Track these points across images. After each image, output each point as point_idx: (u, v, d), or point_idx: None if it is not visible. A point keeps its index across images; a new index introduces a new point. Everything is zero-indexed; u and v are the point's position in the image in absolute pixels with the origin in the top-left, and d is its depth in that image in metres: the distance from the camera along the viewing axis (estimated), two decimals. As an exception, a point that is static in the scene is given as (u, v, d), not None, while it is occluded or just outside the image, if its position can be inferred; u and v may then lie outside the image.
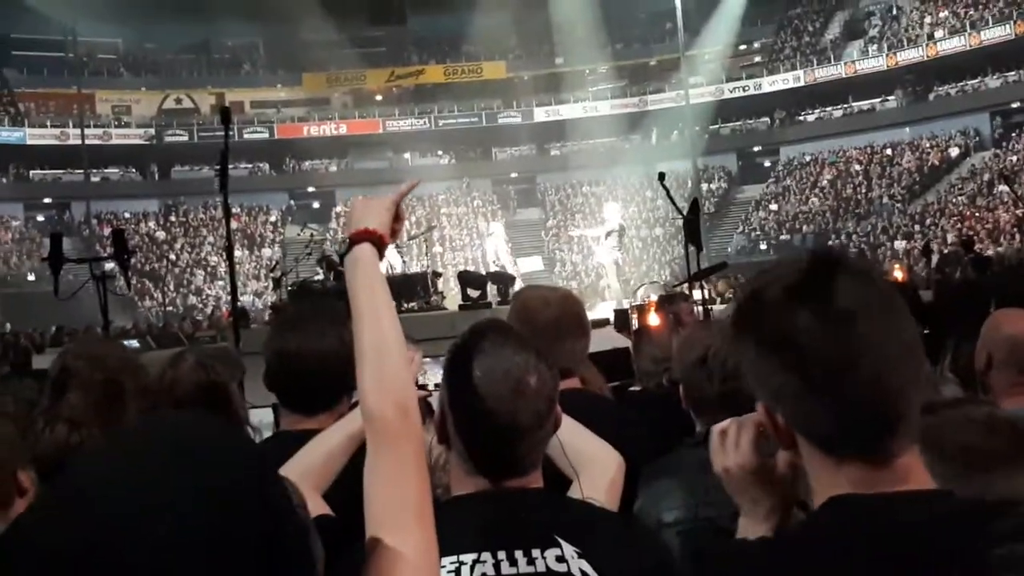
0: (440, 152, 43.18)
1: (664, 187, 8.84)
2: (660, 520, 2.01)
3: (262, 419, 3.07)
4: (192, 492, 0.72)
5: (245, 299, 30.03)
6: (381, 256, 1.50)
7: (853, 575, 1.03)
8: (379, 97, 44.89)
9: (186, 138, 40.78)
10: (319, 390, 2.26)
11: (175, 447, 0.78)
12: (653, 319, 5.09)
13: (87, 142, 37.77)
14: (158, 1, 35.74)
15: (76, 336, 20.46)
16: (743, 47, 43.06)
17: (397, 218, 1.59)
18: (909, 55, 36.94)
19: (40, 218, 39.18)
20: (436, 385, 2.17)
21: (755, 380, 1.13)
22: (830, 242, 33.11)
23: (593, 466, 1.96)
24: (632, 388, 4.04)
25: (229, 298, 35.94)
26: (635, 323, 8.04)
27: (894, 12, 39.73)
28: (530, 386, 1.53)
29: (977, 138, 35.25)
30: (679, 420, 2.48)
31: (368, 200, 1.62)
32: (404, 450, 1.30)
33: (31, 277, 34.00)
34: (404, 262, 17.09)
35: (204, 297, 35.63)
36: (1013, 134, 34.12)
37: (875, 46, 38.69)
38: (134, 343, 20.06)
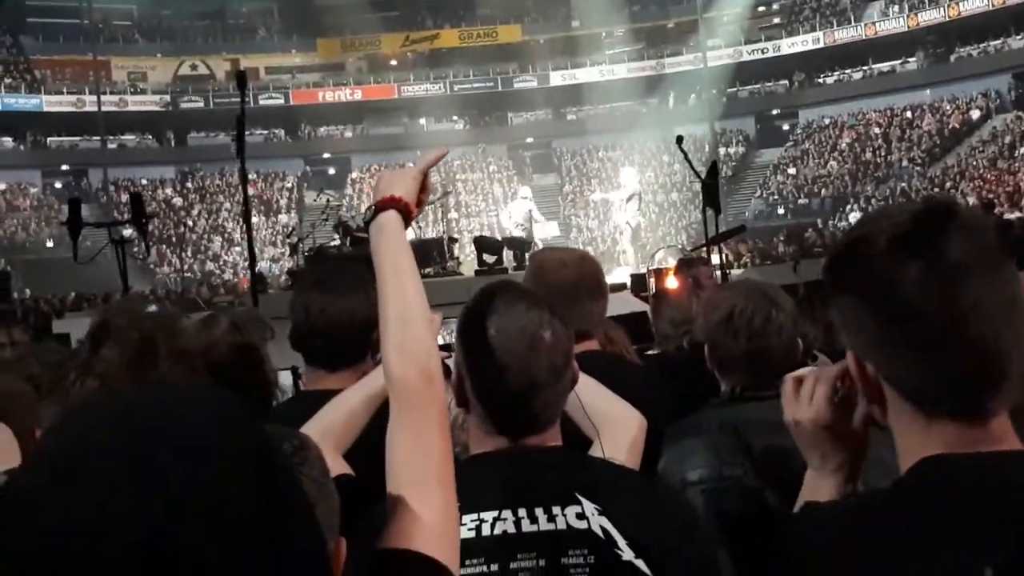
0: (455, 117, 43.01)
1: (682, 151, 8.76)
2: (684, 479, 2.00)
3: (282, 382, 3.10)
4: (176, 448, 0.71)
5: (262, 265, 30.15)
6: (407, 224, 1.51)
7: (963, 538, 0.99)
8: (394, 62, 44.65)
9: (201, 104, 40.78)
10: (344, 346, 2.30)
11: (165, 409, 0.77)
12: (672, 282, 5.07)
13: (103, 109, 37.85)
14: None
15: (95, 301, 20.62)
16: (762, 8, 42.50)
17: (423, 188, 1.59)
18: (930, 15, 36.39)
19: (58, 185, 39.35)
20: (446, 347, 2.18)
21: (849, 329, 1.10)
22: (848, 207, 32.89)
23: (614, 426, 1.96)
24: (650, 352, 4.02)
25: (246, 264, 36.08)
26: (653, 287, 8.02)
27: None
28: (544, 340, 1.53)
29: (999, 100, 34.77)
30: (700, 383, 2.47)
31: (394, 171, 1.65)
32: (427, 414, 1.31)
33: (49, 244, 34.22)
34: (420, 227, 17.08)
35: (221, 263, 35.79)
36: (1036, 96, 33.65)
37: (896, 6, 38.12)
38: (153, 308, 20.22)
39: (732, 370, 2.19)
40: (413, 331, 1.38)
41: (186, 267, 34.79)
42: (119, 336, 1.68)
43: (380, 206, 1.51)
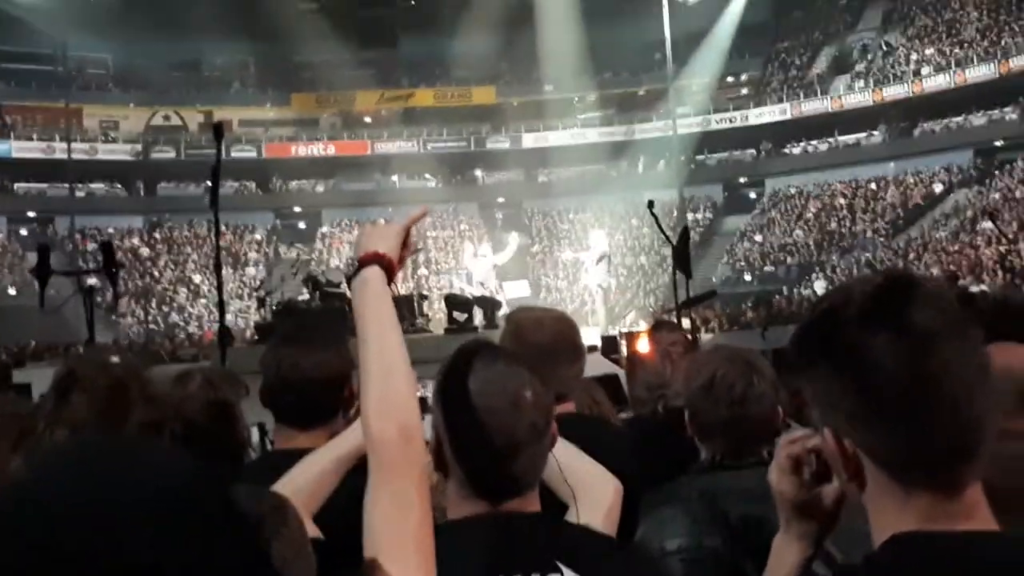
0: (428, 175, 43.26)
1: (653, 215, 8.84)
2: (663, 548, 1.97)
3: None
4: (139, 502, 0.70)
5: (228, 318, 29.87)
6: (390, 280, 1.50)
7: None
8: (368, 119, 44.98)
9: (173, 155, 40.72)
10: (316, 402, 2.26)
11: (122, 458, 0.75)
12: (644, 346, 5.06)
13: (73, 156, 37.62)
14: (150, 18, 35.73)
15: (57, 351, 20.29)
16: (730, 79, 43.48)
17: (405, 245, 1.58)
18: (895, 91, 37.38)
19: (23, 232, 38.93)
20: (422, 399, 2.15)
21: (823, 402, 1.09)
22: (814, 275, 33.34)
23: (591, 491, 1.93)
24: (624, 415, 3.99)
25: (211, 317, 35.71)
26: (625, 349, 8.02)
27: (881, 48, 40.22)
28: (526, 399, 1.50)
29: (960, 175, 35.59)
30: (676, 448, 2.45)
31: (377, 226, 1.64)
32: (406, 478, 1.29)
33: (12, 291, 33.73)
34: (404, 284, 17.06)
35: (186, 315, 35.41)
36: (996, 171, 34.48)
37: (861, 81, 39.13)
38: (115, 359, 19.90)
39: (712, 437, 2.17)
40: (394, 385, 1.36)
41: (150, 318, 34.36)
42: (87, 384, 1.64)
43: (363, 261, 1.50)
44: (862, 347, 1.02)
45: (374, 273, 1.48)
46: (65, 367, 1.72)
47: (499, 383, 1.50)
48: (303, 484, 1.90)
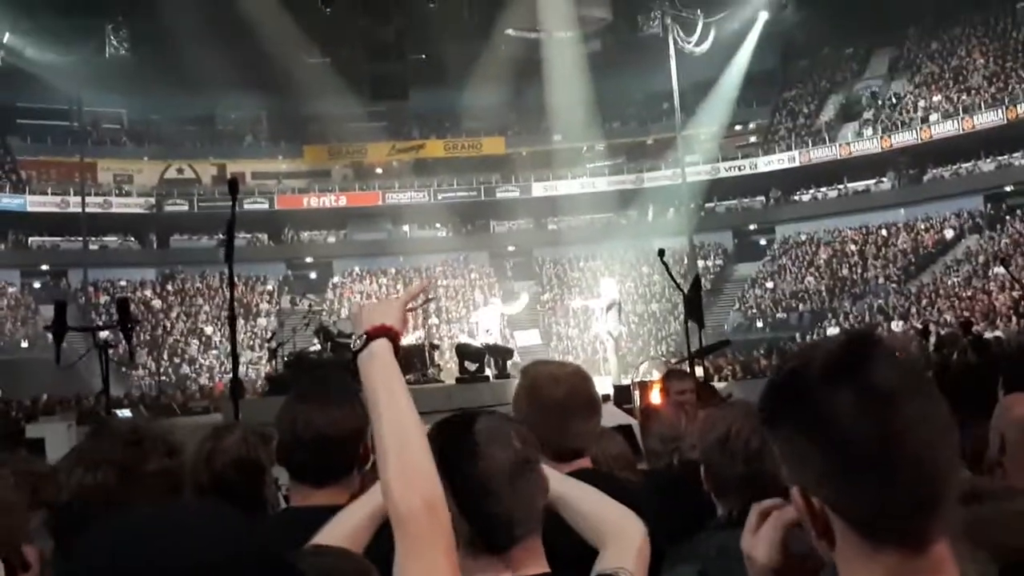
0: (438, 224, 43.48)
1: (664, 263, 8.85)
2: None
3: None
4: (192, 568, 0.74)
5: (239, 369, 29.90)
6: (396, 352, 1.53)
7: None
8: (379, 170, 45.36)
9: (186, 208, 41.06)
10: (331, 461, 2.26)
11: (182, 527, 0.79)
12: (658, 397, 5.04)
13: (87, 210, 37.96)
14: (164, 73, 36.26)
15: (69, 404, 20.30)
16: (739, 127, 43.75)
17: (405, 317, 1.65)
18: (903, 137, 37.50)
19: (36, 285, 39.17)
20: None
21: (790, 461, 1.11)
22: (826, 321, 33.22)
23: (621, 534, 1.92)
24: (639, 467, 3.96)
25: (223, 368, 35.67)
26: (638, 400, 7.97)
27: (888, 96, 40.46)
28: (527, 458, 1.57)
29: (971, 221, 35.57)
30: (692, 502, 2.43)
31: (378, 301, 1.72)
32: (435, 548, 1.32)
33: (24, 344, 33.85)
34: (415, 333, 17.10)
35: (197, 367, 35.43)
36: (1007, 217, 34.46)
37: (869, 128, 39.31)
38: (127, 412, 19.90)
39: (728, 492, 2.15)
40: (412, 457, 1.39)
41: (162, 370, 34.40)
42: (113, 431, 1.69)
43: (371, 335, 1.53)
44: (825, 406, 1.04)
45: (382, 346, 1.52)
46: (99, 422, 1.81)
47: (497, 444, 1.56)
48: (340, 540, 1.90)
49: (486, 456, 1.53)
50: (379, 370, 1.49)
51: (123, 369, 29.51)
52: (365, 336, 1.54)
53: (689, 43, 37.18)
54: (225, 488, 2.16)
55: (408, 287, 2.03)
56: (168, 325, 37.60)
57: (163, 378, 33.48)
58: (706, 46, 37.27)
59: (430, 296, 29.96)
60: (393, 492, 1.36)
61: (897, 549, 1.05)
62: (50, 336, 5.42)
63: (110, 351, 5.43)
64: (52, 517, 1.73)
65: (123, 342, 5.55)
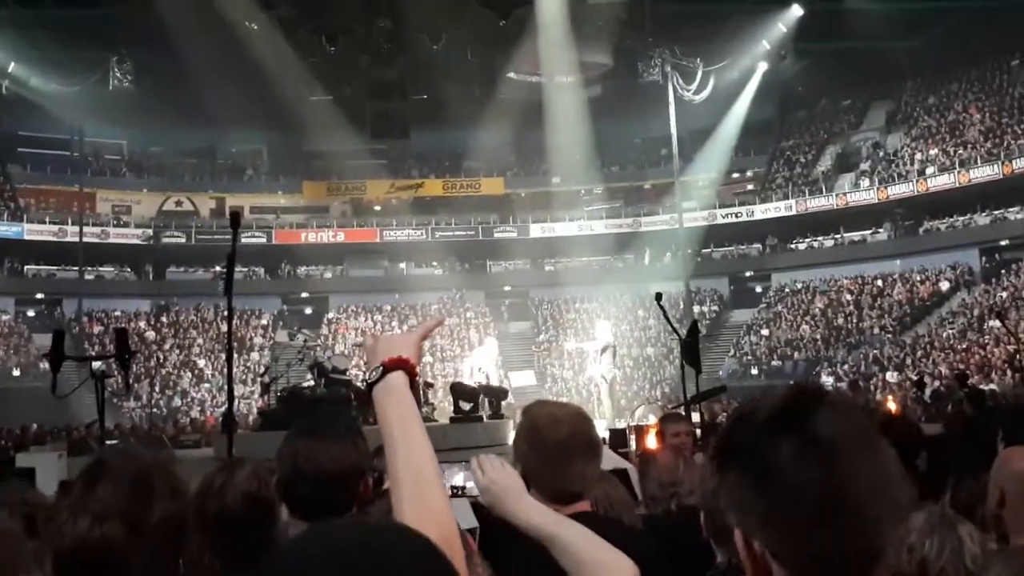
0: (435, 263, 43.54)
1: (661, 307, 8.85)
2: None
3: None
4: None
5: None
6: (412, 386, 1.53)
7: None
8: (378, 207, 45.51)
9: (183, 240, 41.08)
10: (332, 497, 2.25)
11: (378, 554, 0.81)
12: (654, 441, 5.01)
13: (85, 240, 37.98)
14: (166, 106, 36.51)
15: (59, 434, 20.14)
16: (736, 175, 44.07)
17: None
18: (899, 189, 37.78)
19: (31, 313, 39.05)
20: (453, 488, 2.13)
21: (733, 506, 1.13)
22: (820, 369, 33.19)
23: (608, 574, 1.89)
24: (637, 512, 3.92)
25: (214, 401, 35.44)
26: (634, 444, 7.93)
27: (886, 148, 40.82)
28: None
29: (967, 274, 35.71)
30: (692, 547, 2.40)
31: (393, 334, 1.70)
32: None
33: (16, 372, 33.66)
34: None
35: (189, 400, 35.23)
36: (1002, 271, 34.61)
37: (866, 180, 39.61)
38: (115, 443, 19.75)
39: (729, 539, 2.11)
40: (428, 493, 1.38)
41: (153, 402, 34.19)
42: (114, 474, 1.65)
43: (388, 367, 1.53)
44: (769, 455, 1.08)
45: (399, 378, 1.52)
46: (95, 458, 1.75)
47: None
48: None
49: None
50: (395, 403, 1.48)
51: (116, 400, 29.36)
52: (382, 368, 1.53)
53: (688, 91, 37.55)
54: (233, 523, 2.13)
55: (424, 322, 2.02)
56: (161, 357, 37.44)
57: (154, 410, 33.26)
58: (705, 94, 37.62)
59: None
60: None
61: None
62: (42, 365, 5.39)
63: (106, 381, 5.40)
64: (54, 564, 1.70)
65: (118, 372, 5.51)
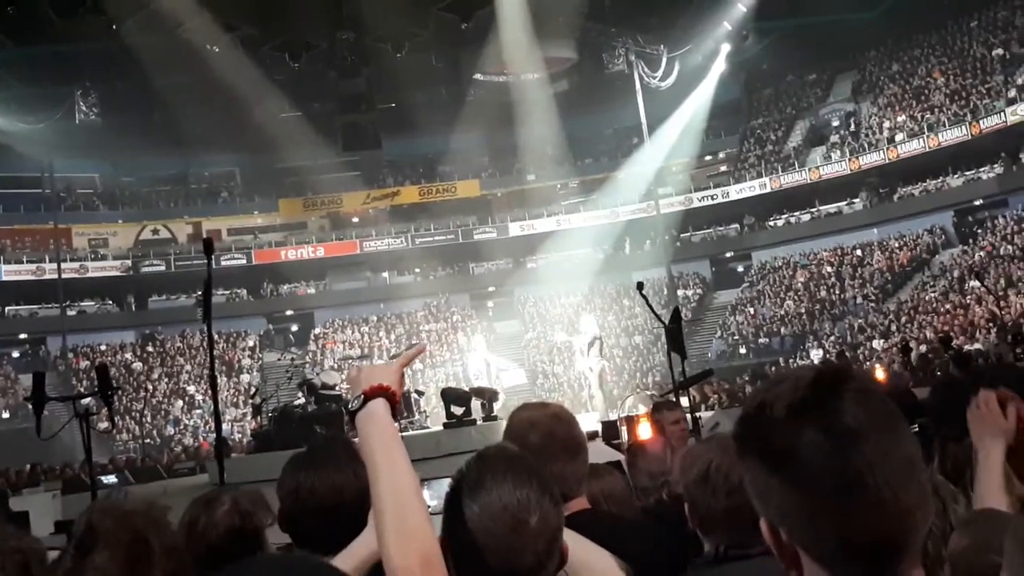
0: (417, 270, 43.52)
1: (643, 296, 8.90)
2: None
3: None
4: None
5: (224, 428, 29.61)
6: (394, 413, 1.57)
7: None
8: (356, 219, 45.42)
9: (163, 268, 40.86)
10: (336, 527, 2.23)
11: None
12: (645, 432, 5.04)
13: (63, 276, 37.73)
14: (134, 135, 36.33)
15: (53, 474, 20.02)
16: (708, 157, 44.21)
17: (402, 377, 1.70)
18: (871, 158, 38.02)
19: (15, 354, 38.76)
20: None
21: (759, 496, 1.11)
22: (807, 343, 33.36)
23: None
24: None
25: (207, 427, 35.27)
26: (625, 435, 7.96)
27: (854, 119, 41.05)
28: (529, 526, 1.46)
29: (943, 236, 35.99)
30: (683, 536, 2.43)
31: (375, 364, 1.75)
32: None
33: (6, 415, 33.44)
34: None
35: (182, 427, 35.09)
36: (978, 230, 34.88)
37: (837, 152, 39.83)
38: (112, 478, 19.66)
39: (714, 528, 2.13)
40: (410, 516, 1.42)
41: (145, 432, 34.03)
42: (109, 540, 1.63)
43: (369, 395, 1.57)
44: (790, 446, 1.05)
45: (379, 406, 1.56)
46: (85, 520, 1.72)
47: (502, 504, 1.46)
48: None
49: (490, 535, 1.48)
50: (377, 431, 1.52)
51: (104, 433, 29.22)
52: (363, 396, 1.57)
53: (655, 78, 37.68)
54: (225, 561, 2.12)
55: (406, 351, 2.02)
56: (150, 387, 37.25)
57: (147, 440, 33.11)
58: (671, 80, 37.77)
59: (413, 342, 29.87)
60: (390, 550, 1.38)
61: None
62: (31, 406, 5.37)
63: (92, 418, 5.40)
64: None
65: (104, 408, 5.49)
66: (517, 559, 1.45)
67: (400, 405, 1.60)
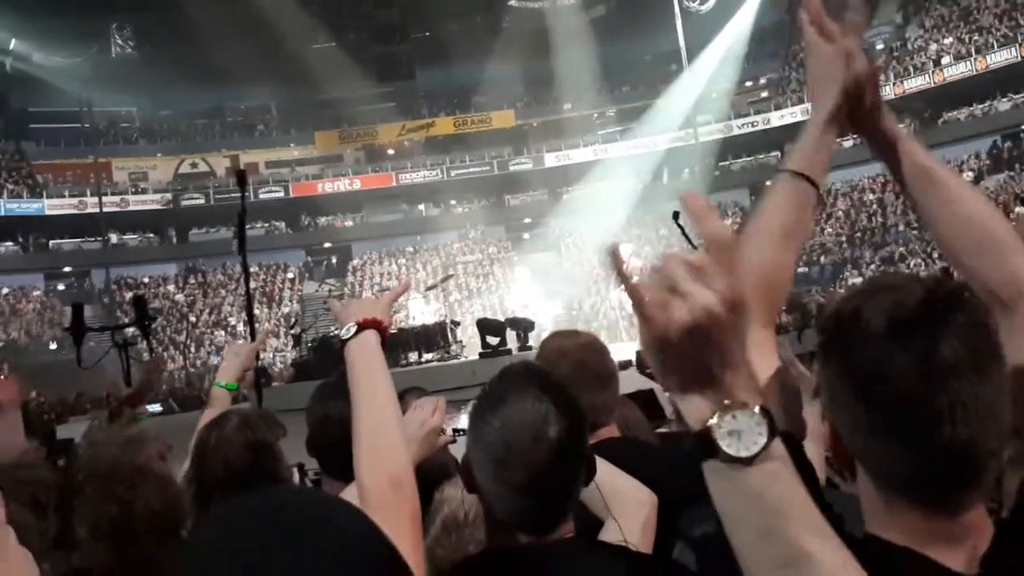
0: (453, 201, 43.48)
1: (680, 226, 8.78)
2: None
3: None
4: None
5: (265, 357, 30.10)
6: (384, 344, 1.65)
7: None
8: (391, 151, 45.35)
9: (202, 201, 41.25)
10: None
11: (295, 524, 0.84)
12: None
13: (105, 210, 38.26)
14: (171, 69, 36.37)
15: (100, 403, 20.48)
16: (749, 83, 43.32)
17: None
18: (916, 82, 37.06)
19: (61, 287, 39.54)
20: (455, 431, 2.17)
21: (833, 402, 1.07)
22: (847, 272, 32.97)
23: (627, 506, 1.93)
24: (662, 430, 3.96)
25: (250, 357, 35.97)
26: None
27: (899, 41, 39.92)
28: (548, 437, 1.48)
29: (989, 161, 35.17)
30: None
31: (363, 299, 1.86)
32: (398, 524, 1.38)
33: (53, 346, 34.24)
34: (436, 311, 17.16)
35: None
36: (1026, 155, 34.06)
37: (881, 76, 38.78)
38: (157, 407, 20.15)
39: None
40: (384, 438, 1.49)
41: (189, 363, 34.72)
42: (90, 511, 1.72)
43: (363, 325, 1.65)
44: (880, 367, 1.00)
45: (371, 337, 1.64)
46: (67, 481, 1.85)
47: (522, 417, 1.49)
48: None
49: (510, 448, 1.54)
50: (367, 359, 1.60)
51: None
52: (356, 326, 1.64)
53: (695, 1, 36.81)
54: (240, 476, 2.15)
55: (393, 288, 2.06)
56: (194, 318, 37.90)
57: (192, 370, 33.80)
58: (711, 3, 36.88)
59: (450, 273, 29.97)
60: (362, 469, 1.44)
61: (923, 512, 1.03)
62: (72, 336, 5.48)
63: (132, 348, 5.50)
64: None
65: (141, 339, 5.61)
66: (537, 472, 1.47)
67: (388, 339, 1.67)
